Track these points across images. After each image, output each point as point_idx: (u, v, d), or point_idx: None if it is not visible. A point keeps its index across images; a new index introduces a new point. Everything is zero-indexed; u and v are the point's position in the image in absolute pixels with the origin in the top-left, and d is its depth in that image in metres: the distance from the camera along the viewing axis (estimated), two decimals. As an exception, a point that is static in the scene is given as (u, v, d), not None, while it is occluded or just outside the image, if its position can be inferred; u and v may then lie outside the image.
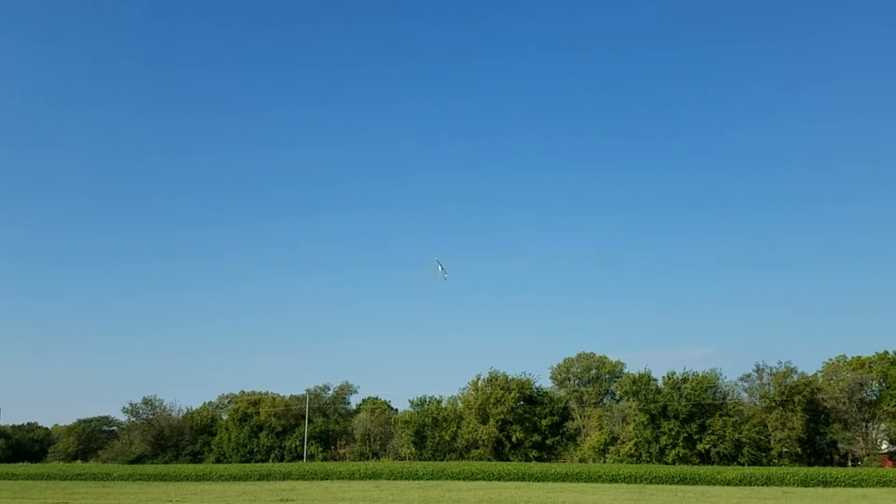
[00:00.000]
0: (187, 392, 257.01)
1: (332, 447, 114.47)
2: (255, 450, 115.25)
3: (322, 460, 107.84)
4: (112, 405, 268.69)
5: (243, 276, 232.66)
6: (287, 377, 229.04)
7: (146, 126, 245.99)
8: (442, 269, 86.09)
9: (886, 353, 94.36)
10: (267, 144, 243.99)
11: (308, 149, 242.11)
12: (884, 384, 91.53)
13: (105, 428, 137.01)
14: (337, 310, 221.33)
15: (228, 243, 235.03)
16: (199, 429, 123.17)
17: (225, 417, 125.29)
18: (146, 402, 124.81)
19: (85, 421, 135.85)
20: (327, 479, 72.62)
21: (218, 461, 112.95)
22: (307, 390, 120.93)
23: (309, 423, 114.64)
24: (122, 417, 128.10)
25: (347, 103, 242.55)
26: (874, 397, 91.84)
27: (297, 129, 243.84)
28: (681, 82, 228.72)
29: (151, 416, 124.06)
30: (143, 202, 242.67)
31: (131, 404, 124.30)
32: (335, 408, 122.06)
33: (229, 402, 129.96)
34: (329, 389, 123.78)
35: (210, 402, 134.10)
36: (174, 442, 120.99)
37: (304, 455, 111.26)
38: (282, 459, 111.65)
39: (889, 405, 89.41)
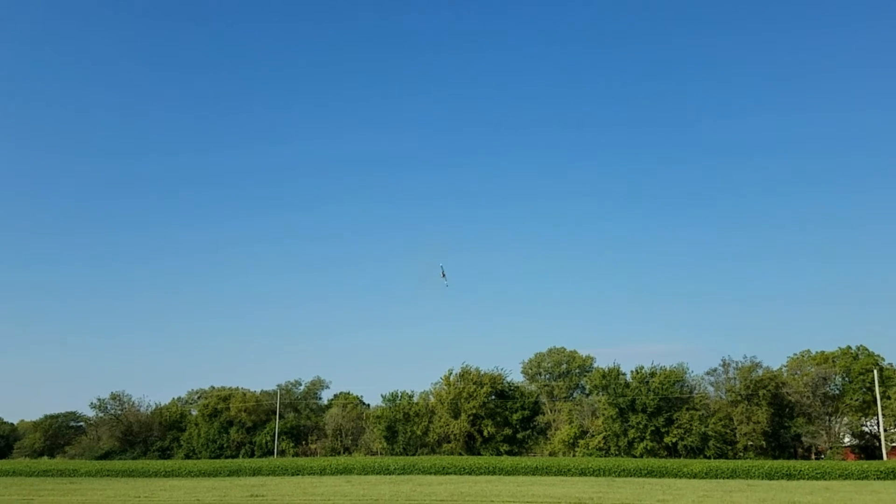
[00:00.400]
0: (156, 387, 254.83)
1: (304, 442, 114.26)
2: (224, 445, 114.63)
3: (293, 456, 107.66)
4: (79, 400, 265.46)
5: (214, 273, 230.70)
6: (258, 372, 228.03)
7: (140, 126, 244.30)
8: (444, 275, 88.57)
9: (849, 347, 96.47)
10: (252, 143, 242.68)
11: (291, 146, 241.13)
12: (847, 379, 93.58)
13: (72, 423, 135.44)
14: (309, 305, 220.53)
15: (198, 241, 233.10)
16: (168, 424, 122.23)
17: (194, 413, 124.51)
18: (114, 397, 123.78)
19: (52, 416, 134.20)
20: (298, 474, 72.41)
21: (187, 457, 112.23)
22: (278, 385, 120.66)
23: (280, 418, 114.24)
24: (90, 413, 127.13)
25: (335, 100, 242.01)
26: (837, 391, 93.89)
27: (285, 126, 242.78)
28: (669, 75, 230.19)
29: (119, 412, 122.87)
30: (115, 201, 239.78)
31: (99, 400, 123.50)
32: (306, 403, 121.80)
33: (199, 398, 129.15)
34: (300, 385, 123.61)
35: (179, 398, 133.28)
36: (142, 438, 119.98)
37: (275, 450, 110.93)
38: (252, 455, 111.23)
39: (851, 399, 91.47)
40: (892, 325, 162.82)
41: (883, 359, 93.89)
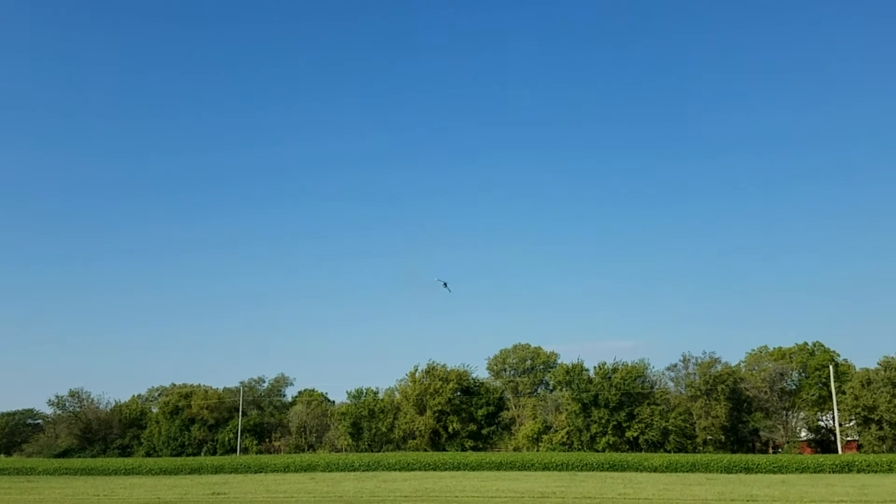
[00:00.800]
0: (116, 384, 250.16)
1: (267, 440, 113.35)
2: (186, 443, 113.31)
3: (256, 453, 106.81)
4: (37, 397, 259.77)
5: (174, 270, 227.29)
6: (220, 370, 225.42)
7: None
8: (445, 285, 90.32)
9: (806, 344, 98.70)
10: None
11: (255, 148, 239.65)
12: (803, 374, 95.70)
13: (30, 421, 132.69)
14: (273, 302, 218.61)
15: (159, 239, 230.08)
16: (128, 422, 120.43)
17: (155, 410, 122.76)
18: (73, 394, 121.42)
19: (8, 414, 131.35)
20: (261, 472, 71.99)
21: (148, 455, 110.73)
22: (241, 383, 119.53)
23: (243, 415, 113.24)
24: (48, 410, 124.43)
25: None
26: (794, 387, 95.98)
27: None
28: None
29: (78, 409, 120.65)
30: (74, 201, 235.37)
31: (57, 397, 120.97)
32: (270, 400, 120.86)
33: (159, 395, 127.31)
34: (264, 382, 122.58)
35: (139, 395, 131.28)
36: (102, 435, 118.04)
37: (238, 448, 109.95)
38: (214, 453, 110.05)
39: (808, 394, 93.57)
40: (848, 321, 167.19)
41: (838, 355, 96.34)
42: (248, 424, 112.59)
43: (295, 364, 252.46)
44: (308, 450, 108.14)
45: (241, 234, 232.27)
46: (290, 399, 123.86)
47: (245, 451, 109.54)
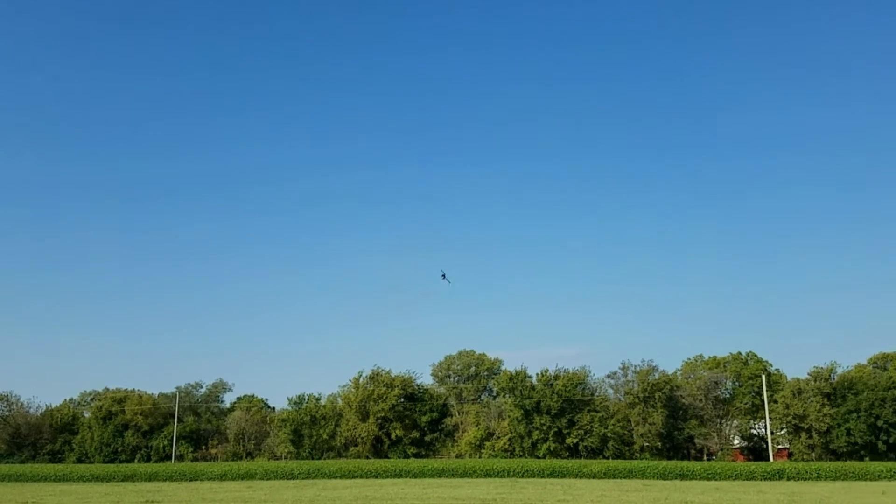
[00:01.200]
0: (47, 388, 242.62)
1: (204, 447, 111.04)
2: (119, 450, 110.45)
3: (192, 461, 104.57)
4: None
5: (107, 270, 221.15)
6: (156, 374, 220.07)
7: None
8: (444, 276, 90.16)
9: (739, 353, 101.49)
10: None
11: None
12: (737, 383, 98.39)
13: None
14: (213, 305, 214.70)
15: (93, 240, 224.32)
16: (60, 427, 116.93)
17: (87, 415, 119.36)
18: (1, 397, 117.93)
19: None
20: (196, 479, 70.40)
21: (79, 461, 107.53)
22: (177, 388, 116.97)
23: (179, 422, 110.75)
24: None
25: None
26: (728, 395, 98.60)
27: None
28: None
29: (7, 413, 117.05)
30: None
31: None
32: (207, 406, 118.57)
33: (92, 400, 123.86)
34: (201, 387, 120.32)
35: (71, 399, 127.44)
36: (32, 441, 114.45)
37: (173, 455, 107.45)
38: (148, 460, 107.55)
39: (741, 403, 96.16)
40: (780, 332, 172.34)
41: (770, 364, 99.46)
42: (183, 431, 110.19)
43: (234, 369, 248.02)
44: (246, 457, 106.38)
45: (191, 240, 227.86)
46: (228, 405, 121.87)
47: (180, 458, 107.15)
